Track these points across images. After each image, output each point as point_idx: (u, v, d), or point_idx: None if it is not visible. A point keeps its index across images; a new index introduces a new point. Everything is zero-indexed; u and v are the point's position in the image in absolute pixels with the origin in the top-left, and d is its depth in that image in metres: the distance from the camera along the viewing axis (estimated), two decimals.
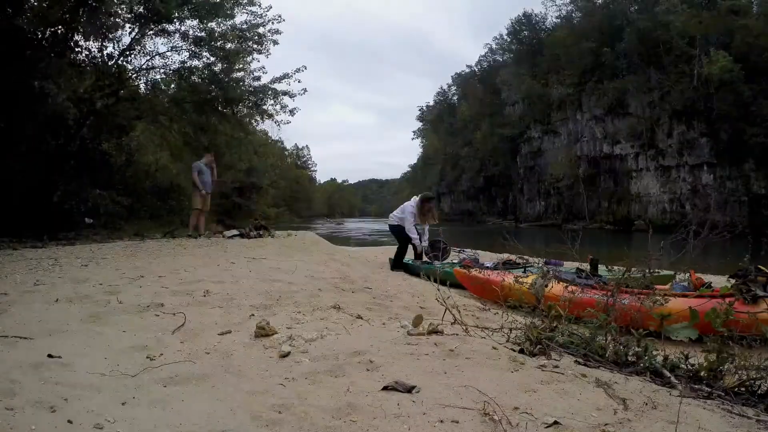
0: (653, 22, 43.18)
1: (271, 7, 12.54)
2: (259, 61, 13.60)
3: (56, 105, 8.48)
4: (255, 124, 15.18)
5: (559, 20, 59.72)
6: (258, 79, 13.22)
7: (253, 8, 12.37)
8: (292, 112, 13.45)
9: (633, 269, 2.76)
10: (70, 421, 1.30)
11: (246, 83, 13.18)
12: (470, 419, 1.40)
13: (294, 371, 1.81)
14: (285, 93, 13.11)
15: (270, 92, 13.07)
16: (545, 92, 56.64)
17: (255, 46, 12.57)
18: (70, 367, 1.75)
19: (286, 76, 12.90)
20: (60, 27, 9.87)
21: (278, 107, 13.23)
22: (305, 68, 13.11)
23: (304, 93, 13.16)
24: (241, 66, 12.89)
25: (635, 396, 1.62)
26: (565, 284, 3.07)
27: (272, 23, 12.64)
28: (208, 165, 9.50)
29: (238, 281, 3.77)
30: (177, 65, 12.85)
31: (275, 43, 12.68)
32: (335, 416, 1.42)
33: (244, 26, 12.47)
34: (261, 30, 12.63)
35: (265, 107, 13.32)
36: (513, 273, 4.79)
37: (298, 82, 13.04)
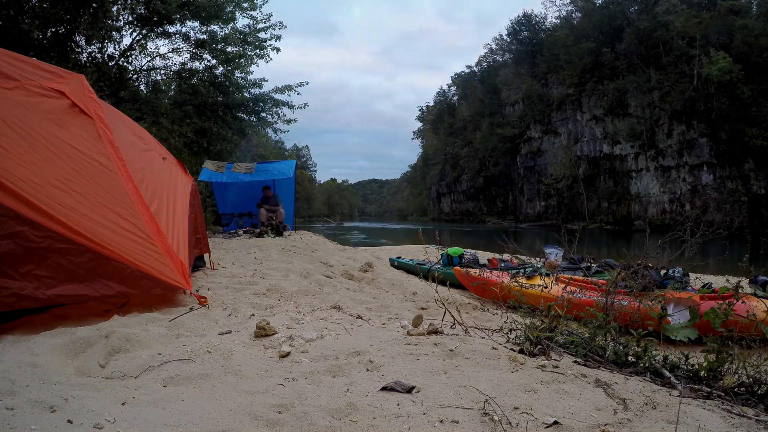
0: (653, 23, 43.22)
1: (271, 15, 12.64)
2: (258, 66, 13.81)
3: None
4: (255, 131, 15.34)
5: (558, 20, 59.78)
6: (259, 86, 13.34)
7: (254, 12, 12.45)
8: (289, 122, 13.61)
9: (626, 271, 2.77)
10: (70, 421, 1.30)
11: (247, 89, 13.31)
12: (470, 419, 1.40)
13: (294, 371, 1.81)
14: (285, 104, 13.23)
15: (270, 101, 13.20)
16: (545, 92, 56.68)
17: (256, 51, 12.68)
18: None
19: (288, 87, 13.02)
20: (60, 27, 9.89)
21: (276, 117, 13.40)
22: (307, 83, 13.25)
23: (305, 107, 13.30)
24: (242, 71, 13.00)
25: (635, 396, 1.62)
26: (563, 283, 3.08)
27: (273, 29, 12.72)
28: None
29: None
30: (177, 66, 12.90)
31: (277, 50, 12.77)
32: (335, 416, 1.42)
33: (246, 30, 12.54)
34: (262, 35, 12.70)
35: (264, 114, 13.47)
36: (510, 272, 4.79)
37: (298, 95, 13.20)
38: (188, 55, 12.72)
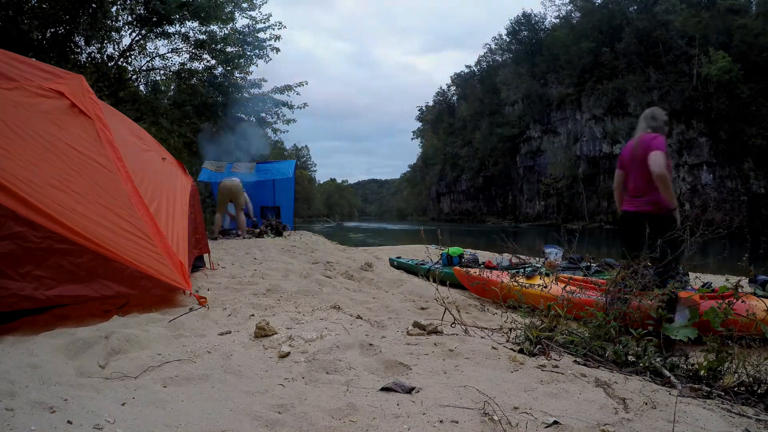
0: (652, 22, 43.23)
1: (271, 15, 12.65)
2: (258, 66, 13.85)
3: None
4: (254, 131, 15.42)
5: (558, 20, 59.78)
6: (259, 86, 13.35)
7: (253, 12, 12.46)
8: (289, 122, 13.64)
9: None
10: (69, 422, 1.30)
11: (246, 89, 13.32)
12: (470, 419, 1.40)
13: (293, 371, 1.81)
14: (285, 104, 13.25)
15: (270, 102, 13.22)
16: (544, 92, 56.68)
17: (256, 51, 12.70)
18: None
19: (288, 87, 13.04)
20: (60, 28, 9.89)
21: (275, 117, 13.43)
22: (307, 83, 13.27)
23: (304, 107, 13.31)
24: (241, 71, 13.02)
25: (635, 395, 1.62)
26: (563, 282, 3.07)
27: (273, 29, 12.73)
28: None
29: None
30: (177, 67, 12.91)
31: (277, 50, 12.79)
32: (335, 416, 1.42)
33: (246, 30, 12.56)
34: (261, 35, 12.72)
35: (263, 115, 13.50)
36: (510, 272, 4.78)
37: (298, 95, 13.20)
38: (187, 56, 12.74)
